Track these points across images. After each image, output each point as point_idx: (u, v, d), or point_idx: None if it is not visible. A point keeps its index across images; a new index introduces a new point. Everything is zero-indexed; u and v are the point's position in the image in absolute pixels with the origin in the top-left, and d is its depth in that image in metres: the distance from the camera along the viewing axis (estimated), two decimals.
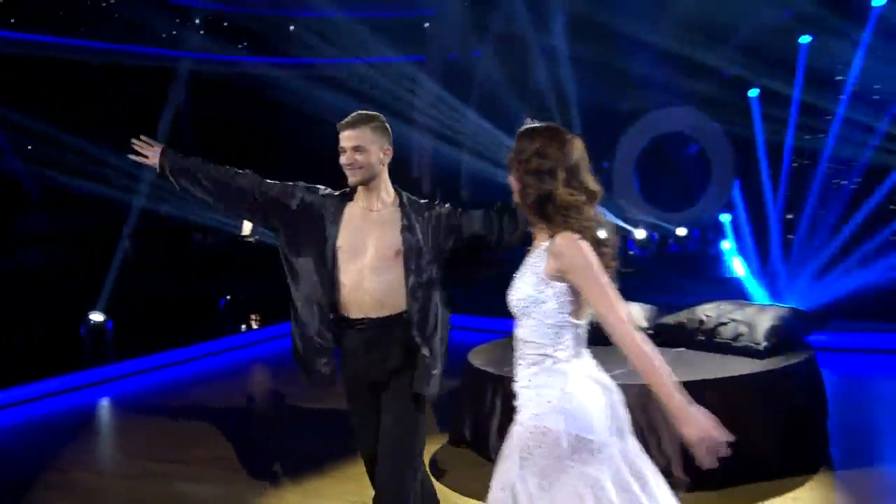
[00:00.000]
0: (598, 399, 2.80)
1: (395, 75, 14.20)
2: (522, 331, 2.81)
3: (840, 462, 5.23)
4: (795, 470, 4.99)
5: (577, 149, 2.77)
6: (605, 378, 2.89)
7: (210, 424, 7.07)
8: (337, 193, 3.70)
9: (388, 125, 3.62)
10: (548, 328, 2.79)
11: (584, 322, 2.83)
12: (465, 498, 4.88)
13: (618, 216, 12.38)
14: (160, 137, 12.29)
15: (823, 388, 5.41)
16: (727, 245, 12.65)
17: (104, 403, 8.17)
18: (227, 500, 5.20)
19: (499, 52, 13.53)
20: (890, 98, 11.52)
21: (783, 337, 5.47)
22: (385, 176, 3.63)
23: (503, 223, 3.52)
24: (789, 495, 4.74)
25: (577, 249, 2.67)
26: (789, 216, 12.30)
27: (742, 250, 11.91)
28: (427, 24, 15.30)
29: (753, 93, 12.83)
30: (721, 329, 5.62)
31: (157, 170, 3.73)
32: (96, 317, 10.16)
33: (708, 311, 5.81)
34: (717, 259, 12.47)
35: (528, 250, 2.87)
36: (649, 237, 12.80)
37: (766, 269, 11.45)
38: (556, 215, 2.72)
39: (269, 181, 3.71)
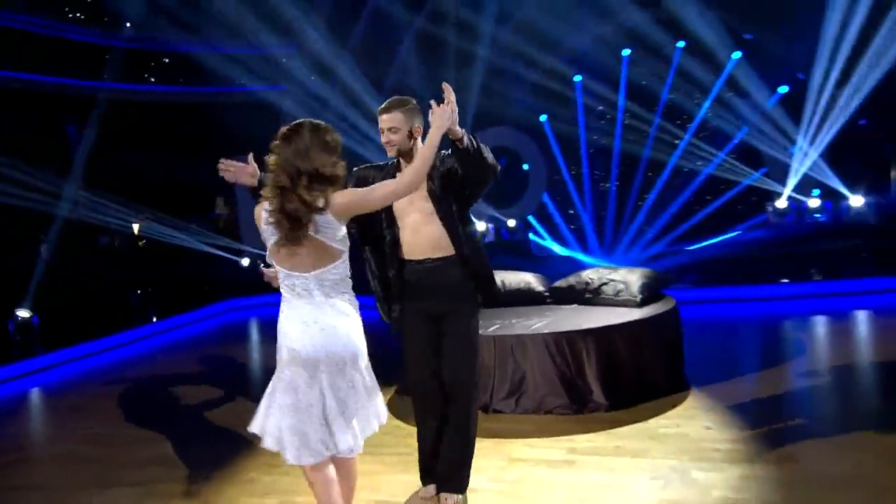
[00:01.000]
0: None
1: (260, 103, 13.75)
2: None
3: (698, 380, 5.57)
4: (677, 389, 5.33)
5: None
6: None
7: (172, 397, 6.59)
8: (389, 164, 3.73)
9: (418, 107, 3.60)
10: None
11: (284, 271, 3.04)
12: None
13: None
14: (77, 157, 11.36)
15: (682, 328, 5.78)
16: (531, 235, 13.18)
17: (42, 391, 7.36)
18: (218, 458, 4.81)
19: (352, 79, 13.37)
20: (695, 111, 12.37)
21: (651, 291, 5.81)
22: (418, 147, 3.60)
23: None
24: (681, 406, 5.04)
25: None
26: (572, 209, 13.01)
27: (554, 236, 12.46)
28: (284, 59, 14.93)
29: (543, 118, 13.44)
30: (604, 288, 5.88)
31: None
32: (23, 313, 9.17)
33: (591, 275, 6.05)
34: (538, 243, 12.96)
35: None
36: (488, 228, 13.12)
37: (583, 248, 12.08)
38: None
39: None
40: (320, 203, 2.94)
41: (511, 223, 12.93)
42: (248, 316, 10.75)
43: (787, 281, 9.65)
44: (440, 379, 3.64)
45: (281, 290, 3.11)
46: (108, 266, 11.99)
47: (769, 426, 4.59)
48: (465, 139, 3.34)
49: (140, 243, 12.99)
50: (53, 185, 10.64)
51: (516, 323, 5.42)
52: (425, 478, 3.83)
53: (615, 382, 5.03)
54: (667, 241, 11.75)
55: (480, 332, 5.16)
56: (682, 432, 4.56)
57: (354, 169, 3.70)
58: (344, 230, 3.06)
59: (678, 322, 5.65)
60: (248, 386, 6.97)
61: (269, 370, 7.40)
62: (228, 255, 12.36)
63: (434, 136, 3.17)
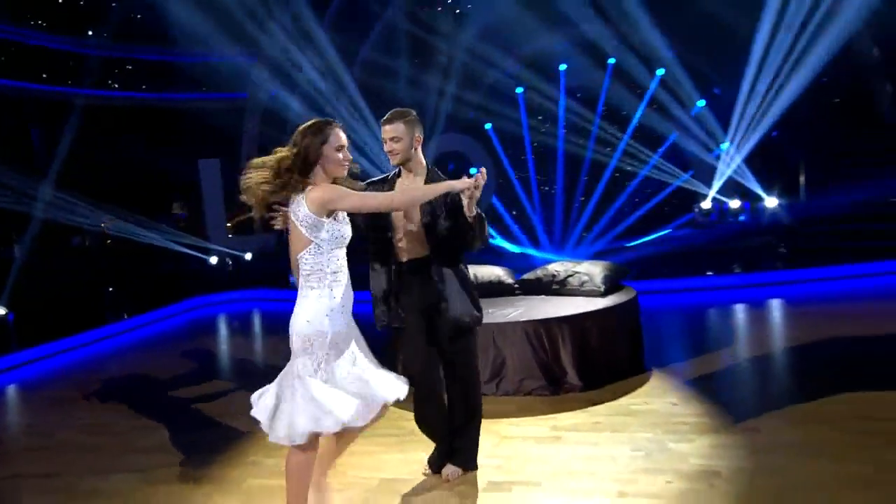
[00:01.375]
0: None
1: (224, 109, 13.45)
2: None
3: (655, 363, 5.71)
4: (639, 370, 5.47)
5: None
6: None
7: (156, 389, 6.35)
8: (389, 176, 3.73)
9: (418, 118, 3.64)
10: None
11: None
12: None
13: None
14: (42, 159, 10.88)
15: (640, 315, 5.89)
16: None
17: (19, 386, 6.99)
18: (216, 444, 4.68)
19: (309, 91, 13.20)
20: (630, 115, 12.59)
21: (612, 282, 5.92)
22: (419, 157, 3.68)
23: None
24: (646, 386, 5.17)
25: None
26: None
27: (505, 235, 12.51)
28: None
29: (488, 126, 13.53)
30: (569, 279, 5.96)
31: None
32: None
33: (556, 268, 6.12)
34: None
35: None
36: None
37: (534, 245, 12.19)
38: None
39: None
40: (295, 184, 3.01)
41: None
42: (216, 312, 10.47)
43: (711, 273, 9.95)
44: (439, 367, 3.67)
45: None
46: (81, 265, 11.51)
47: (727, 401, 4.75)
48: (475, 217, 3.38)
49: (107, 242, 12.52)
50: (26, 186, 10.17)
51: (493, 312, 5.43)
52: (433, 464, 3.86)
53: (587, 365, 5.10)
54: (609, 238, 11.98)
55: None
56: (651, 409, 4.67)
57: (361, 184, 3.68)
58: (318, 222, 2.99)
59: (638, 310, 5.77)
60: (227, 376, 6.82)
61: (241, 362, 7.32)
62: (196, 254, 12.02)
63: (443, 187, 3.23)
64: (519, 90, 13.39)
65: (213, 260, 12.04)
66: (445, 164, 13.27)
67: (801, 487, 3.42)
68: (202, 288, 10.86)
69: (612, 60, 12.61)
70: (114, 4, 12.85)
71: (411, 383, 3.64)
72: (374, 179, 3.79)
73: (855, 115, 11.96)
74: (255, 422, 3.13)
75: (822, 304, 8.06)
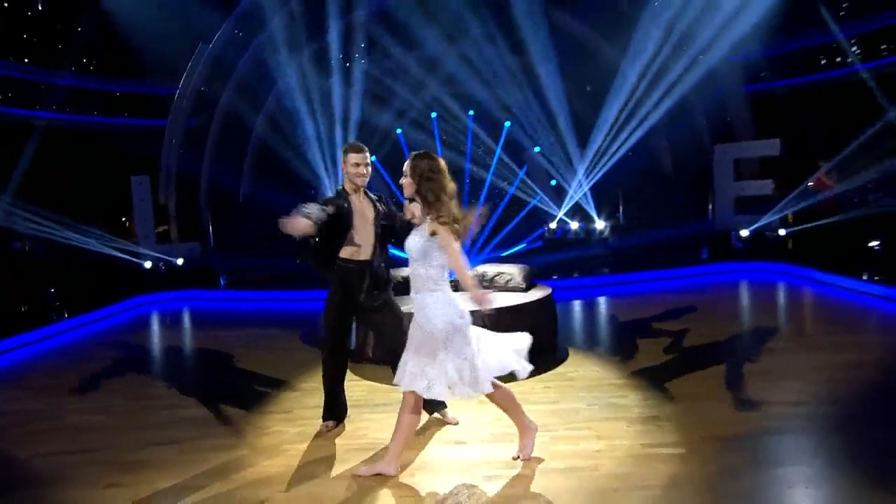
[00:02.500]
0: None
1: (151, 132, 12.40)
2: (422, 269, 3.23)
3: (571, 344, 6.09)
4: (559, 350, 5.82)
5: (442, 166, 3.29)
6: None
7: (127, 376, 5.77)
8: (339, 192, 3.91)
9: None
10: (436, 268, 3.23)
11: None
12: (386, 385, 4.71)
13: None
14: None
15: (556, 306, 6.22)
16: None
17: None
18: (231, 417, 4.44)
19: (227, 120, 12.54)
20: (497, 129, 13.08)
21: (529, 280, 6.24)
22: None
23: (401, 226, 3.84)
24: (569, 360, 5.51)
25: (443, 232, 3.16)
26: None
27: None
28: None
29: (372, 158, 13.55)
30: (496, 278, 6.19)
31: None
32: None
33: (485, 268, 6.30)
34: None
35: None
36: None
37: None
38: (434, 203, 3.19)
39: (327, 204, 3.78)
40: None
41: None
42: (150, 310, 9.59)
43: (556, 277, 10.62)
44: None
45: (443, 282, 3.34)
46: (23, 268, 10.03)
47: (636, 366, 5.16)
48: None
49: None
50: None
51: None
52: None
53: None
54: (489, 248, 12.38)
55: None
56: (583, 375, 5.02)
57: (325, 198, 3.85)
58: None
59: (554, 302, 6.12)
60: (200, 362, 6.35)
61: (193, 350, 6.87)
62: (131, 258, 10.92)
63: None
64: (398, 130, 13.54)
65: (147, 264, 11.02)
66: None
67: (718, 421, 3.90)
68: (139, 289, 9.93)
69: (471, 112, 13.15)
70: (36, 32, 11.47)
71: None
72: (330, 198, 3.87)
73: (645, 167, 13.45)
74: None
75: (638, 297, 8.77)
